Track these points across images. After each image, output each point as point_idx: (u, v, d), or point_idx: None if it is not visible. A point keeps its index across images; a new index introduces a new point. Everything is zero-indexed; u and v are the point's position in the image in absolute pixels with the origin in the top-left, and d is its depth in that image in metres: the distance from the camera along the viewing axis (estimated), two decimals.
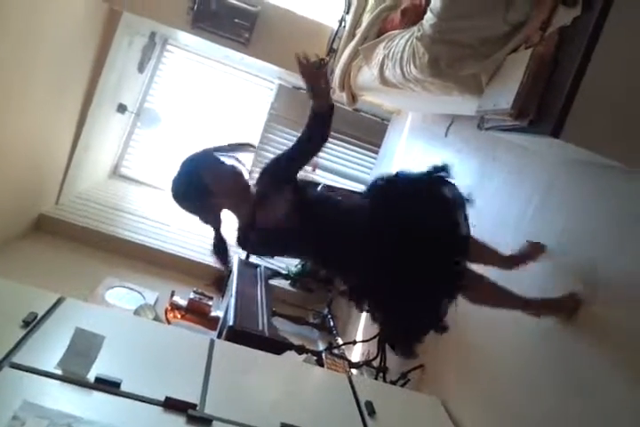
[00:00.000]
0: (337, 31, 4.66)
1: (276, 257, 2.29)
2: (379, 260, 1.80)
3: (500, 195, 2.71)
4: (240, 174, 1.89)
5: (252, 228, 1.87)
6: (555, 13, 1.90)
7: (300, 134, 1.94)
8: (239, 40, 5.02)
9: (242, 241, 1.94)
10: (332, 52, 4.64)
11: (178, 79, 6.63)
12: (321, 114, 1.90)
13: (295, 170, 1.95)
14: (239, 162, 1.91)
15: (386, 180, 2.00)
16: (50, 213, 5.08)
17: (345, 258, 1.88)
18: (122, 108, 6.06)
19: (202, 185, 1.84)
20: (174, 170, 1.90)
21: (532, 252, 2.13)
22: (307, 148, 1.94)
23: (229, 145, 1.95)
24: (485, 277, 2.01)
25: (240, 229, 1.93)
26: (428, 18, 2.19)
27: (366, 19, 3.73)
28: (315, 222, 1.85)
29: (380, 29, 3.44)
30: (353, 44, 3.71)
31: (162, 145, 6.73)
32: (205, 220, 1.94)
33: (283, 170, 1.91)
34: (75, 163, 5.36)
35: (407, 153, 4.67)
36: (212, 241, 1.96)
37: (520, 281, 2.14)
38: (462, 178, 3.24)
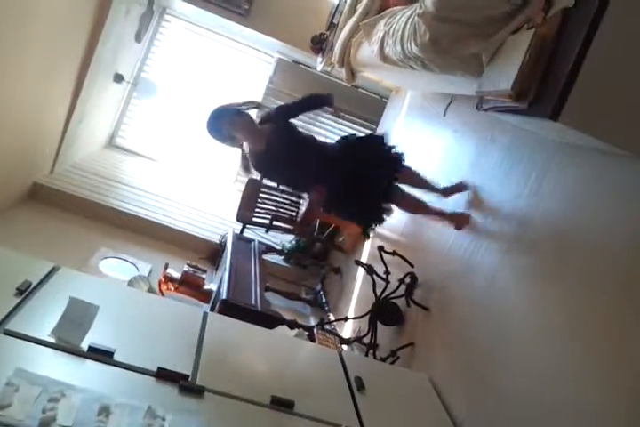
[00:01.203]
0: (338, 6, 4.61)
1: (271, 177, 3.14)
2: (344, 179, 2.82)
3: (497, 175, 2.72)
4: (248, 115, 2.82)
5: (258, 151, 2.80)
6: None
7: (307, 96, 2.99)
8: (238, 11, 4.96)
9: (253, 162, 2.85)
10: (332, 26, 4.59)
11: (175, 50, 6.55)
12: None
13: (293, 112, 2.94)
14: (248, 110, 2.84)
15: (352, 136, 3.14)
16: (44, 181, 5.07)
17: (319, 177, 2.88)
18: (118, 78, 5.99)
19: (225, 122, 2.78)
20: (206, 115, 2.83)
21: (458, 190, 3.02)
22: (307, 104, 3.02)
23: (243, 102, 2.87)
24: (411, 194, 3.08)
25: (250, 154, 2.84)
26: None
27: None
28: (301, 149, 2.86)
29: (381, 5, 3.40)
30: (354, 19, 3.67)
31: (158, 116, 6.68)
32: (231, 144, 2.85)
33: (284, 110, 2.93)
34: (70, 132, 5.32)
35: (405, 131, 4.66)
36: (240, 160, 2.91)
37: None
38: (460, 157, 3.25)
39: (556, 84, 1.71)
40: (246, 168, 2.90)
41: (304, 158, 2.82)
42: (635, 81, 1.70)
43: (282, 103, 6.11)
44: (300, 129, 3.00)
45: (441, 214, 3.00)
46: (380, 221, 2.98)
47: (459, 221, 2.87)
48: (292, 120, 2.90)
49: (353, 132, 6.26)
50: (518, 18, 2.05)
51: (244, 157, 2.87)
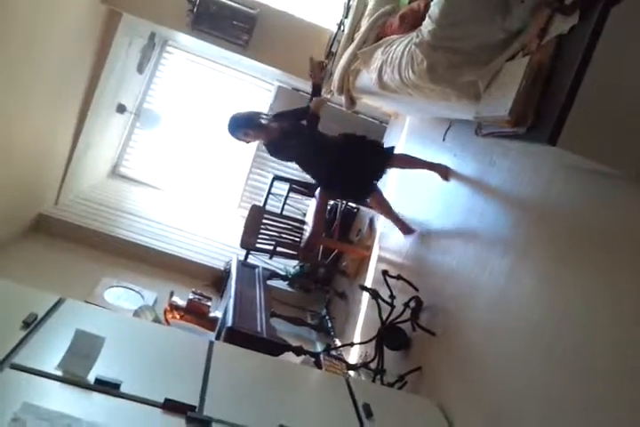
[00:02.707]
0: (336, 35, 4.68)
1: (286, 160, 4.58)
2: (341, 167, 3.66)
3: (497, 199, 2.74)
4: (257, 123, 3.74)
5: (270, 141, 3.76)
6: (552, 21, 1.93)
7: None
8: (238, 42, 5.04)
9: (269, 149, 3.83)
10: (330, 55, 4.66)
11: (177, 80, 6.65)
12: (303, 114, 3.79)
13: (287, 117, 3.83)
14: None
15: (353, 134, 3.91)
16: (49, 212, 5.10)
17: (321, 163, 3.73)
18: (121, 109, 6.08)
19: (242, 123, 3.72)
20: (228, 118, 3.79)
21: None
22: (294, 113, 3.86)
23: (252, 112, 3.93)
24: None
25: (266, 144, 3.82)
26: (427, 24, 2.22)
27: (365, 23, 3.75)
28: (308, 140, 3.70)
29: (378, 34, 3.47)
30: (352, 48, 3.73)
31: (161, 145, 6.75)
32: (246, 141, 3.81)
33: (284, 114, 3.90)
34: (74, 162, 5.38)
35: None
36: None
37: None
38: (460, 181, 3.28)
39: (553, 110, 1.74)
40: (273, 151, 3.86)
41: (306, 144, 3.69)
42: (630, 104, 1.72)
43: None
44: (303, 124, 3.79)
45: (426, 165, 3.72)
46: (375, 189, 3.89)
47: (441, 171, 3.53)
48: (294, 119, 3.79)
49: None
50: (513, 45, 2.09)
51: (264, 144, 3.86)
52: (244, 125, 3.68)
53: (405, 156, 4.08)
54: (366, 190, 3.86)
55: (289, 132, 3.68)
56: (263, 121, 3.75)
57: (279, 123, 3.73)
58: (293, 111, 3.88)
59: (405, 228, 3.82)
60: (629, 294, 1.76)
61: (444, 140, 3.69)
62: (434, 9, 2.17)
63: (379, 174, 3.76)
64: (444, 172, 3.51)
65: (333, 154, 3.65)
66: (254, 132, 3.69)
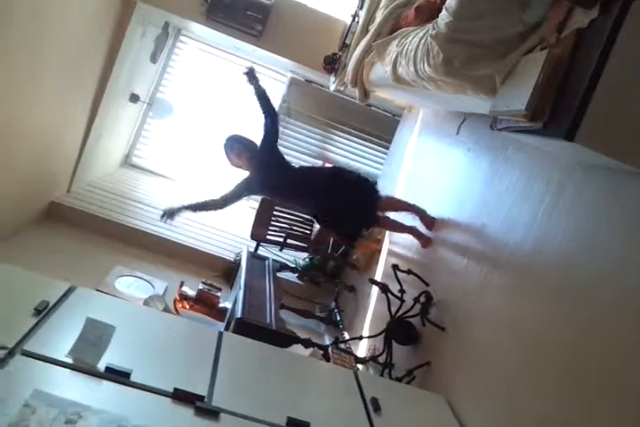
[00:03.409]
0: (350, 26, 4.65)
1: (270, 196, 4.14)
2: (332, 202, 3.57)
3: (511, 195, 2.71)
4: (240, 149, 3.66)
5: (255, 174, 3.66)
6: (571, 15, 1.89)
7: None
8: (252, 33, 5.03)
9: (250, 183, 3.66)
10: (344, 47, 4.63)
11: (190, 70, 6.64)
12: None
13: (272, 133, 3.70)
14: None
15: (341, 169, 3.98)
16: (61, 200, 5.13)
17: (311, 199, 3.64)
18: (134, 98, 6.08)
19: (234, 147, 3.65)
20: (224, 138, 3.72)
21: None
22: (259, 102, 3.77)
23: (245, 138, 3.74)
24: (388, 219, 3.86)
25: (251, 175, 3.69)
26: (444, 16, 2.19)
27: (380, 15, 3.72)
28: (299, 176, 3.70)
29: (393, 26, 3.44)
30: (366, 39, 3.70)
31: (173, 135, 6.75)
32: (237, 165, 3.70)
33: (267, 138, 3.70)
34: (87, 151, 5.39)
35: (418, 149, 4.67)
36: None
37: None
38: (473, 176, 3.25)
39: (571, 105, 1.71)
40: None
41: (304, 185, 3.64)
42: None
43: (298, 122, 6.35)
44: (285, 157, 3.77)
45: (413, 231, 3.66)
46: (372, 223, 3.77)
47: (425, 241, 3.54)
48: (272, 150, 3.69)
49: (367, 150, 6.30)
50: (531, 38, 2.06)
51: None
52: (242, 145, 3.64)
53: (392, 199, 3.97)
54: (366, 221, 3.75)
55: (275, 166, 3.63)
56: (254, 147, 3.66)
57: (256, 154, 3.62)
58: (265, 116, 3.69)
59: (425, 240, 3.58)
60: None
61: (457, 133, 3.67)
62: (451, 1, 2.14)
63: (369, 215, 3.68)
64: (430, 222, 3.54)
65: (321, 189, 3.61)
66: (247, 157, 3.61)
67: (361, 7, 4.40)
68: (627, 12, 1.67)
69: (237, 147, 3.61)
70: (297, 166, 3.82)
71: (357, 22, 4.35)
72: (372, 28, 3.73)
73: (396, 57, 2.82)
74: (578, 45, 1.81)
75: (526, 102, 1.83)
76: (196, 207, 3.65)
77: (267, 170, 3.61)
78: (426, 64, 2.36)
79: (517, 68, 2.05)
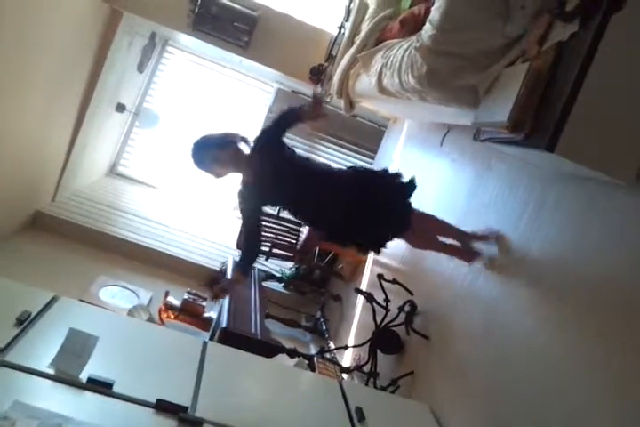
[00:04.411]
0: (336, 38, 4.69)
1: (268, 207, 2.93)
2: (355, 211, 2.52)
3: (495, 204, 2.74)
4: (230, 146, 2.50)
5: (252, 180, 2.52)
6: (552, 28, 1.93)
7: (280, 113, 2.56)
8: (238, 43, 5.05)
9: (243, 194, 2.56)
10: (330, 58, 4.67)
11: (177, 80, 6.65)
12: (294, 120, 2.53)
13: (280, 131, 2.54)
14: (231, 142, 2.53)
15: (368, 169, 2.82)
16: (46, 209, 5.09)
17: (326, 208, 2.56)
18: (121, 108, 6.07)
19: (207, 155, 2.49)
20: (190, 147, 2.54)
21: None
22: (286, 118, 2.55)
23: (225, 134, 2.58)
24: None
25: (243, 184, 2.56)
26: (427, 29, 2.22)
27: (365, 27, 3.76)
28: (304, 177, 2.54)
29: (378, 38, 3.47)
30: (352, 51, 3.74)
31: (159, 145, 6.75)
32: (218, 177, 2.57)
33: (272, 130, 2.54)
34: (72, 160, 5.37)
35: (403, 160, 4.70)
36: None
37: None
38: (458, 186, 3.28)
39: (552, 116, 1.74)
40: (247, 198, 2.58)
41: (302, 187, 2.54)
42: (629, 112, 1.73)
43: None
44: (296, 152, 2.63)
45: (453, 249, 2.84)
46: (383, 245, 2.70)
47: (471, 255, 2.74)
48: (283, 143, 2.56)
49: (352, 160, 6.33)
50: (513, 51, 2.10)
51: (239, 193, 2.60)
52: (213, 146, 2.48)
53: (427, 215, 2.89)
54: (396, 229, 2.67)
55: (280, 160, 2.53)
56: (241, 144, 2.53)
57: (260, 150, 2.52)
58: (281, 118, 2.55)
59: (468, 255, 2.78)
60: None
61: (441, 144, 3.70)
62: (434, 14, 2.17)
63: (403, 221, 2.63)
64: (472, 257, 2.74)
65: (343, 193, 2.54)
66: (227, 155, 2.48)
67: (347, 19, 4.44)
68: (606, 26, 1.71)
69: (220, 148, 2.49)
70: (311, 162, 2.67)
71: (343, 34, 4.39)
72: (358, 39, 3.76)
73: (381, 68, 2.85)
74: (558, 58, 1.84)
75: (508, 114, 1.86)
76: (247, 259, 2.62)
77: (278, 169, 2.51)
78: (410, 76, 2.39)
79: (499, 80, 2.09)
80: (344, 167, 2.81)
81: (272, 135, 2.55)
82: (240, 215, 2.71)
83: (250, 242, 2.61)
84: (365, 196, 2.52)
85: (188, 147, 2.54)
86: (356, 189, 2.53)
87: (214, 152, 2.47)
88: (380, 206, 2.54)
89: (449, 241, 2.84)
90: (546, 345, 2.02)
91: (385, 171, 2.68)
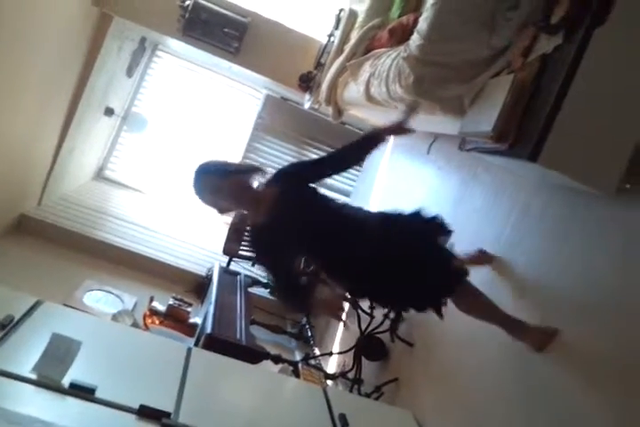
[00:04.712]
0: (325, 46, 4.71)
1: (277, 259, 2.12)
2: (387, 268, 2.08)
3: (479, 213, 2.77)
4: (238, 176, 2.03)
5: (265, 224, 2.02)
6: (536, 41, 1.97)
7: (341, 147, 2.14)
8: (228, 49, 5.06)
9: (253, 239, 2.18)
10: (319, 66, 4.69)
11: (166, 85, 6.65)
12: (377, 139, 2.15)
13: (320, 173, 2.14)
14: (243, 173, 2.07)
15: (401, 214, 2.21)
16: (32, 213, 5.05)
17: (351, 262, 2.15)
18: (109, 112, 6.06)
19: (208, 185, 2.02)
20: (191, 173, 2.06)
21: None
22: (342, 157, 2.16)
23: (238, 164, 2.16)
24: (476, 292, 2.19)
25: (252, 227, 2.14)
26: (415, 39, 2.25)
27: (355, 35, 3.78)
28: (329, 224, 2.08)
29: (367, 46, 3.50)
30: (341, 59, 3.76)
31: (147, 149, 6.73)
32: (220, 210, 2.10)
33: (309, 170, 2.13)
34: (59, 164, 5.34)
35: (390, 167, 4.73)
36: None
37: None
38: (443, 194, 3.31)
39: (535, 127, 1.77)
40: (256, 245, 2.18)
41: (327, 237, 2.09)
42: (611, 124, 1.76)
43: (273, 139, 6.34)
44: (324, 194, 2.16)
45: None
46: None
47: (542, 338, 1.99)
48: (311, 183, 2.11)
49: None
50: (498, 62, 2.13)
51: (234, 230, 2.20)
52: (214, 173, 2.01)
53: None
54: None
55: (300, 201, 2.06)
56: (253, 175, 2.07)
57: (283, 185, 2.06)
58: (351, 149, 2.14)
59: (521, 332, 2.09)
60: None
61: (428, 153, 3.73)
62: (422, 24, 2.20)
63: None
64: (547, 339, 1.97)
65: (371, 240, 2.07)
66: (231, 185, 1.99)
67: (337, 27, 4.47)
68: (589, 39, 1.75)
69: (223, 176, 2.00)
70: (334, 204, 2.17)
71: (333, 42, 4.41)
72: (347, 48, 3.79)
73: (369, 77, 2.88)
74: (542, 70, 1.87)
75: (493, 124, 1.89)
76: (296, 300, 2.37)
77: (296, 211, 2.04)
78: (397, 85, 2.41)
79: (485, 91, 2.12)
80: (373, 211, 2.29)
81: (313, 171, 2.12)
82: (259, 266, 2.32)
83: (290, 293, 2.31)
84: (394, 249, 2.07)
85: (195, 172, 2.05)
86: (383, 240, 2.07)
87: (215, 181, 2.00)
88: (410, 259, 2.08)
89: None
90: (528, 353, 2.04)
91: (417, 214, 2.18)
